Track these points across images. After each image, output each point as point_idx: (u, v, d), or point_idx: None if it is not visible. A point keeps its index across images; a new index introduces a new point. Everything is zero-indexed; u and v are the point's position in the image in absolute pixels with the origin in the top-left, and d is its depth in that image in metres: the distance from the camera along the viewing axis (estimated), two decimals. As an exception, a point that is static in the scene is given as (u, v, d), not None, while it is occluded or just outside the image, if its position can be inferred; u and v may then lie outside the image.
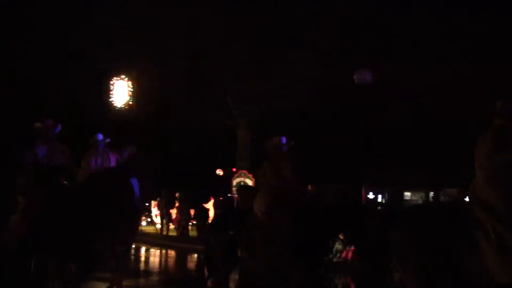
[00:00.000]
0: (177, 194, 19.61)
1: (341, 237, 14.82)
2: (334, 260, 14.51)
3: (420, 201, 28.89)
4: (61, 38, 24.78)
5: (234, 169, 23.18)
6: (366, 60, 19.84)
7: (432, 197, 26.96)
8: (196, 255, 16.32)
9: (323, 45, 21.62)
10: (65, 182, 8.66)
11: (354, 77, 17.46)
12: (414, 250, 4.35)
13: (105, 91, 27.39)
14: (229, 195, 19.73)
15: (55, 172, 8.10)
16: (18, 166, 7.94)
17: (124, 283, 11.18)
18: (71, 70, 26.28)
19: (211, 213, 19.79)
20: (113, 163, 9.80)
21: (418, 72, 20.99)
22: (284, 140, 7.64)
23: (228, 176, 22.61)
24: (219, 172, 22.60)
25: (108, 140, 10.07)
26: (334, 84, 21.61)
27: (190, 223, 19.38)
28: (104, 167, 9.59)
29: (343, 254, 14.38)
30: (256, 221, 7.15)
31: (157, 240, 18.50)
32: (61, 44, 25.16)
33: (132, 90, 27.08)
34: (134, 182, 8.37)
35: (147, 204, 21.81)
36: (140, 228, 20.69)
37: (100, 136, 9.96)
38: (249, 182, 22.98)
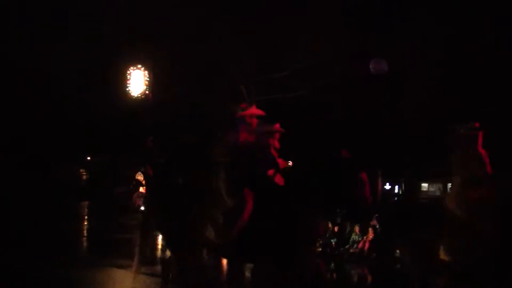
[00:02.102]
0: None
1: (357, 229, 14.87)
2: (351, 251, 14.56)
3: (438, 192, 28.71)
4: (78, 28, 24.99)
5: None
6: (377, 50, 19.77)
7: (450, 188, 26.67)
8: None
9: (334, 34, 21.57)
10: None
11: (370, 66, 17.36)
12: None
13: (122, 80, 27.54)
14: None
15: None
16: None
17: (141, 270, 11.33)
18: (87, 61, 26.47)
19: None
20: None
21: (432, 61, 20.89)
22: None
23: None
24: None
25: None
26: (346, 74, 21.59)
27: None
28: None
29: (360, 245, 14.40)
30: None
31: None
32: (78, 35, 25.37)
33: (148, 79, 27.20)
34: None
35: (163, 193, 21.97)
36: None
37: None
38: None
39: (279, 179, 7.14)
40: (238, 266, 7.65)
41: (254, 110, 8.04)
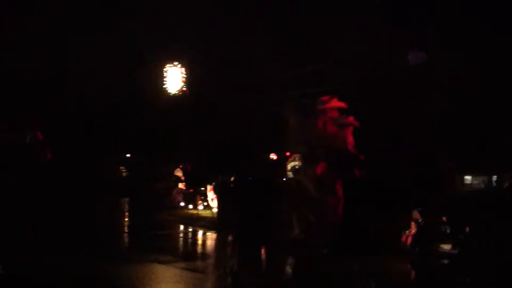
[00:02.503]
0: (232, 178, 19.70)
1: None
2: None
3: (482, 185, 28.09)
4: (113, 27, 25.23)
5: (287, 153, 23.10)
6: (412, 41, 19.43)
7: (495, 181, 25.97)
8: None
9: (365, 27, 21.29)
10: None
11: (408, 57, 17.13)
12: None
13: (159, 78, 27.75)
14: (284, 179, 19.66)
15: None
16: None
17: (181, 265, 11.36)
18: (124, 59, 26.72)
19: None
20: None
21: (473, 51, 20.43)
22: None
23: (282, 160, 22.54)
24: (273, 156, 22.56)
25: None
26: (376, 67, 21.27)
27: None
28: None
29: (402, 239, 14.15)
30: None
31: (214, 224, 18.63)
32: (114, 33, 25.61)
33: (185, 76, 27.35)
34: None
35: (202, 188, 21.98)
36: (197, 212, 20.95)
37: None
38: (304, 166, 22.89)
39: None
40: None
41: (336, 103, 7.92)
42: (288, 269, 11.02)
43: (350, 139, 7.96)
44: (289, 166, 22.01)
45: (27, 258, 10.03)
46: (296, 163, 22.36)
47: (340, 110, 7.49)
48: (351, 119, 7.36)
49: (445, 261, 11.55)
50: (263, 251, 11.99)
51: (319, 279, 9.06)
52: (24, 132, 15.71)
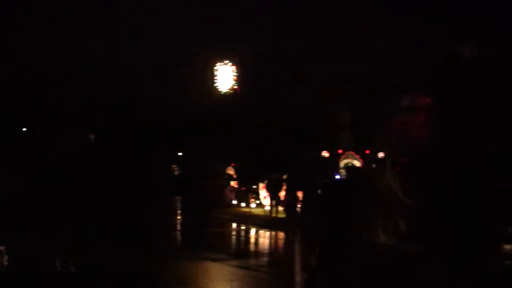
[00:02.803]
0: (284, 177, 19.61)
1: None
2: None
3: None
4: (164, 27, 25.47)
5: (340, 151, 22.88)
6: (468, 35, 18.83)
7: None
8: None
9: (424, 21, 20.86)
10: None
11: (460, 50, 16.68)
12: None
13: (210, 76, 27.84)
14: (337, 176, 19.49)
15: None
16: None
17: (235, 263, 11.32)
18: (175, 58, 26.90)
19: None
20: None
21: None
22: None
23: (334, 158, 22.33)
24: (325, 153, 22.36)
25: None
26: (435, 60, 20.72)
27: (298, 205, 19.28)
28: None
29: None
30: None
31: (266, 222, 18.58)
32: (166, 35, 25.86)
33: (236, 74, 27.35)
34: None
35: (254, 186, 21.94)
36: (249, 210, 20.91)
37: None
38: (357, 163, 22.56)
39: None
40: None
41: (421, 98, 7.60)
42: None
43: (432, 135, 7.65)
44: (342, 164, 21.80)
45: (90, 256, 10.18)
46: (349, 160, 22.13)
47: (424, 106, 7.05)
48: (433, 114, 6.92)
49: None
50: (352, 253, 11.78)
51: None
52: (88, 134, 16.00)
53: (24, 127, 28.71)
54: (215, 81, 27.85)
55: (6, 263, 8.59)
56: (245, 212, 20.87)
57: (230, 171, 24.57)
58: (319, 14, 22.77)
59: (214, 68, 27.85)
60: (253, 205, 21.39)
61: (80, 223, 13.38)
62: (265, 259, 13.01)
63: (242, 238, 17.21)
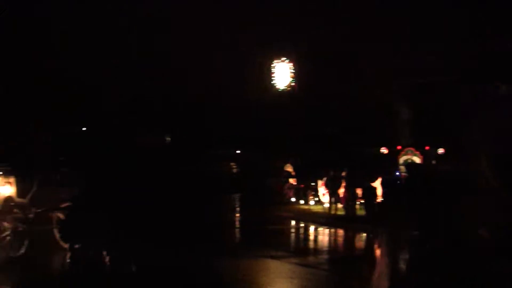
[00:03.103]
0: (343, 173, 19.50)
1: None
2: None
3: None
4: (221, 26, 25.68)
5: (399, 147, 22.55)
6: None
7: None
8: (364, 234, 16.14)
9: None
10: None
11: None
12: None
13: (267, 74, 27.94)
14: (397, 173, 19.24)
15: None
16: None
17: (294, 260, 11.36)
18: (232, 56, 27.11)
19: (379, 192, 19.41)
20: None
21: None
22: None
23: (393, 154, 22.02)
24: (384, 150, 22.09)
25: None
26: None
27: (357, 202, 19.16)
28: None
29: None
30: None
31: (325, 219, 18.53)
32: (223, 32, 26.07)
33: (293, 71, 27.36)
34: None
35: (313, 183, 21.88)
36: (308, 207, 20.90)
37: None
38: (417, 160, 22.21)
39: None
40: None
41: None
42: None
43: None
44: (401, 160, 21.47)
45: (153, 254, 10.39)
46: (409, 156, 21.79)
47: None
48: None
49: None
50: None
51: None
52: (163, 135, 16.29)
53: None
54: (272, 78, 27.94)
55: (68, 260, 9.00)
56: (304, 209, 20.87)
57: (289, 168, 24.58)
58: (378, 10, 22.55)
59: (271, 65, 27.94)
60: (312, 202, 21.36)
61: (146, 222, 13.66)
62: (325, 256, 12.99)
63: (301, 236, 17.23)
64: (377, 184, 18.67)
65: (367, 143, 24.10)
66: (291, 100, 27.24)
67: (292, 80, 27.22)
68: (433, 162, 22.55)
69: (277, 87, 27.64)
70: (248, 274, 9.89)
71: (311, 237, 17.05)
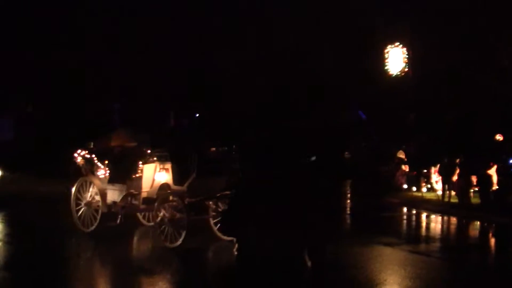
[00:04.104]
0: (457, 160, 19.27)
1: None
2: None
3: None
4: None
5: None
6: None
7: None
8: (478, 223, 16.04)
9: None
10: None
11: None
12: None
13: (380, 59, 27.91)
14: (510, 161, 18.72)
15: None
16: None
17: (407, 247, 11.63)
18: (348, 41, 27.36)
19: (494, 180, 19.07)
20: None
21: None
22: None
23: (509, 142, 21.34)
24: (499, 137, 21.47)
25: None
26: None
27: (472, 190, 18.90)
28: None
29: None
30: None
31: (438, 207, 18.46)
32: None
33: (407, 56, 27.15)
34: None
35: (425, 170, 21.70)
36: (420, 194, 20.85)
37: None
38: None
39: None
40: None
41: None
42: None
43: None
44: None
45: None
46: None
47: None
48: None
49: None
50: None
51: None
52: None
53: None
54: (386, 64, 27.87)
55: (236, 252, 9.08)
56: (416, 197, 20.83)
57: (401, 154, 24.50)
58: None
59: (385, 51, 27.87)
60: (424, 189, 21.27)
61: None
62: (438, 244, 13.08)
63: (414, 223, 17.34)
64: (493, 171, 18.37)
65: (485, 129, 23.51)
66: (406, 86, 27.09)
67: (406, 65, 27.06)
68: None
69: (390, 72, 27.58)
70: (360, 260, 10.26)
71: (423, 224, 17.12)
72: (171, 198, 11.24)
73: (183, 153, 11.57)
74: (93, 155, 12.69)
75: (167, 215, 11.01)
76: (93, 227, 12.16)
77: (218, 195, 10.94)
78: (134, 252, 11.60)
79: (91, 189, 12.38)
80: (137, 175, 11.89)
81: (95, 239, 11.91)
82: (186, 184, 11.26)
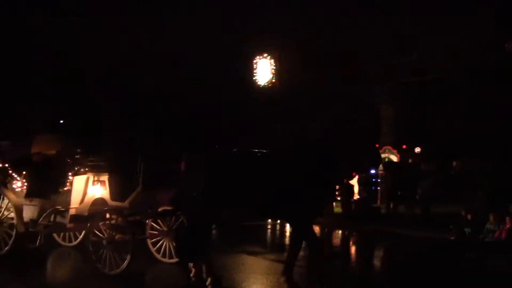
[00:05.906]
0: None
1: (492, 218, 14.11)
2: (486, 240, 13.87)
3: None
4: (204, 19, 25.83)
5: (376, 145, 22.67)
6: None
7: None
8: (340, 231, 16.33)
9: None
10: None
11: (506, 45, 16.93)
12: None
13: (248, 70, 28.01)
14: (373, 171, 19.36)
15: None
16: None
17: (270, 256, 11.43)
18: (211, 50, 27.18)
19: (356, 190, 19.64)
20: None
21: None
22: None
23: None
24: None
25: None
26: (480, 57, 20.73)
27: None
28: None
29: (496, 234, 13.69)
30: None
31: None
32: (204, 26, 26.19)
33: (275, 68, 27.45)
34: None
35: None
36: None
37: None
38: (394, 158, 22.48)
39: None
40: None
41: None
42: None
43: None
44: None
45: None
46: (386, 155, 21.97)
47: None
48: None
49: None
50: None
51: None
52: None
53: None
54: (254, 74, 28.00)
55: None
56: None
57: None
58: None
59: (254, 61, 28.02)
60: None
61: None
62: (301, 253, 12.94)
63: (278, 232, 17.24)
64: (354, 181, 18.90)
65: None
66: (272, 96, 27.32)
67: (273, 77, 27.33)
68: (410, 160, 22.87)
69: (258, 83, 27.75)
70: (222, 269, 9.92)
71: (287, 234, 17.12)
72: (108, 215, 9.38)
73: (126, 162, 9.67)
74: (6, 164, 10.55)
75: (103, 236, 9.20)
76: (6, 248, 10.10)
77: (160, 210, 9.52)
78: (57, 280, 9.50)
79: (2, 204, 10.38)
80: (65, 188, 10.23)
81: (9, 264, 9.74)
82: (128, 200, 9.46)
